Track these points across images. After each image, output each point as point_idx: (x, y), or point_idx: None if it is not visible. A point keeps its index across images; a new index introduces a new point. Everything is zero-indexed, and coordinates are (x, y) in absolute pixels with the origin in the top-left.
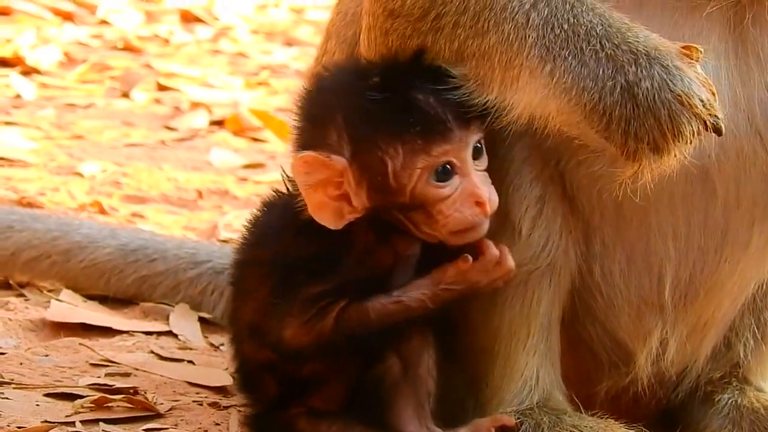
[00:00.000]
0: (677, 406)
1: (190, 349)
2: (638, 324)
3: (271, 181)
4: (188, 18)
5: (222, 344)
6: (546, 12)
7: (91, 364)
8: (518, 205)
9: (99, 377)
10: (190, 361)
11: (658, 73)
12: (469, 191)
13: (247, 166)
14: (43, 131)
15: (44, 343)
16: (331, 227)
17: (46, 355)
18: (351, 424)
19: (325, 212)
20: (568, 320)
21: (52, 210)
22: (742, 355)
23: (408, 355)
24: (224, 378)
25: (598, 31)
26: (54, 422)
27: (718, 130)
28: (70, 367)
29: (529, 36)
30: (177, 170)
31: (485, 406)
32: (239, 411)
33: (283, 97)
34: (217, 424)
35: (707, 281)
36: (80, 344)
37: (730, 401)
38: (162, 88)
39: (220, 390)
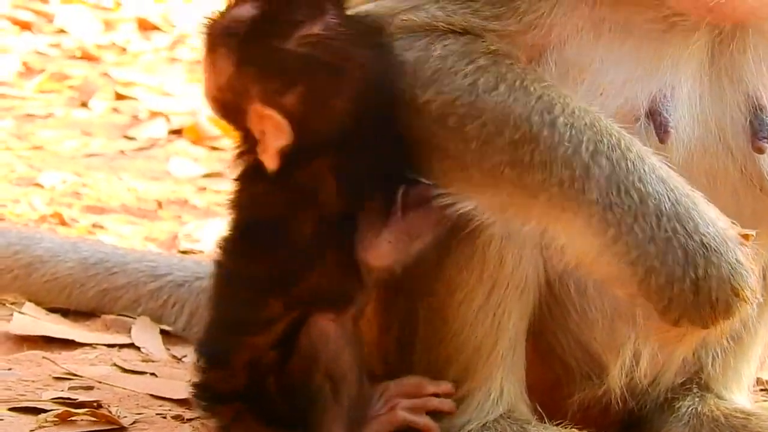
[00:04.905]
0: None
1: (153, 361)
2: (612, 336)
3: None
4: (145, 26)
5: (184, 356)
6: (608, 168)
7: (55, 378)
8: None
9: (62, 390)
10: (152, 374)
11: (724, 270)
12: None
13: (207, 176)
14: (2, 142)
15: (7, 356)
16: None
17: (9, 369)
18: None
19: None
20: (539, 332)
21: (13, 222)
22: (704, 363)
23: (336, 374)
24: (187, 390)
25: (667, 208)
26: None
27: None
28: (33, 381)
29: (588, 190)
30: (136, 180)
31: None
32: (203, 424)
33: None
34: None
35: None
36: (43, 357)
37: (690, 408)
38: (120, 97)
39: (184, 402)
